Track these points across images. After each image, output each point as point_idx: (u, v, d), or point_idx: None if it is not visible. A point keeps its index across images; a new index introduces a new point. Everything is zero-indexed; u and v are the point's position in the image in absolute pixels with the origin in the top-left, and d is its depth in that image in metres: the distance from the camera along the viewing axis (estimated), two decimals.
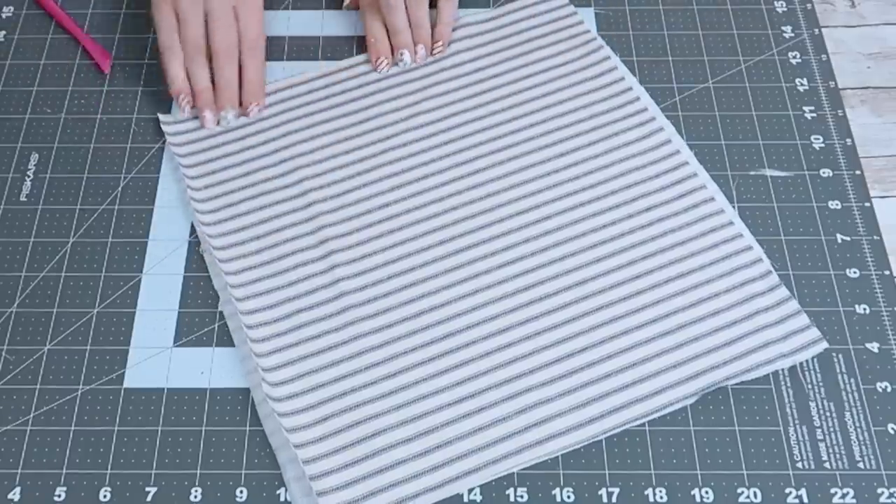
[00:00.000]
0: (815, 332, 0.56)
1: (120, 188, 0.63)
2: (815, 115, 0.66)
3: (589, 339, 0.56)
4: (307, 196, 0.62)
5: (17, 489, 0.53)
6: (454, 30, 0.70)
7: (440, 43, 0.68)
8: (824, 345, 0.56)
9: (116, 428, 0.54)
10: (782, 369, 0.56)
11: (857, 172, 0.63)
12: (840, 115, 0.66)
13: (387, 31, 0.69)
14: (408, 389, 0.54)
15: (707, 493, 0.52)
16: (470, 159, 0.64)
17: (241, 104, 0.66)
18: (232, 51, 0.65)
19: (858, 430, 0.54)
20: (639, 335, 0.56)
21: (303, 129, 0.65)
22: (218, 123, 0.65)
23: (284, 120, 0.66)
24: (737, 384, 0.55)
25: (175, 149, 0.64)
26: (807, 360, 0.56)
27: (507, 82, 0.67)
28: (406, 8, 0.68)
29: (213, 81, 0.65)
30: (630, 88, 0.66)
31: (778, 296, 0.58)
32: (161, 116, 0.66)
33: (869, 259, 0.60)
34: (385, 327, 0.57)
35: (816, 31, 0.70)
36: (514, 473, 0.53)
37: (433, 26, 0.69)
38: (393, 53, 0.68)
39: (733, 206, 0.62)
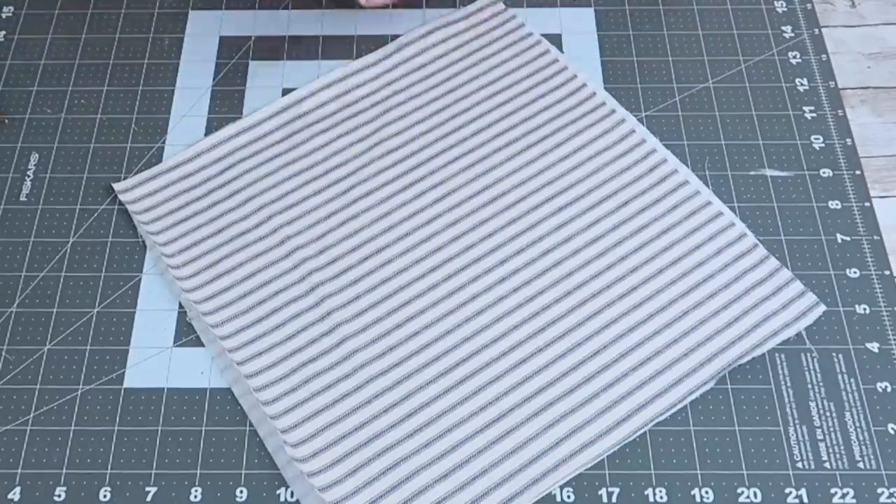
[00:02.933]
0: (811, 297, 0.57)
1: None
2: (815, 115, 0.66)
3: (599, 341, 0.56)
4: (287, 244, 0.60)
5: (17, 489, 0.53)
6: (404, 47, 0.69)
7: None
8: (822, 308, 0.57)
9: (116, 428, 0.54)
10: (782, 369, 0.56)
11: (857, 172, 0.63)
12: (840, 115, 0.66)
13: None
14: (431, 426, 0.54)
15: (707, 493, 0.52)
16: (445, 179, 0.63)
17: None
18: None
19: (858, 430, 0.54)
20: (645, 329, 0.56)
21: (267, 174, 0.63)
22: None
23: (245, 168, 0.64)
24: (736, 385, 0.55)
25: (137, 216, 0.61)
26: (807, 361, 0.56)
27: (470, 99, 0.67)
28: None
29: None
30: (585, 85, 0.67)
31: (769, 267, 0.58)
32: (115, 185, 0.63)
33: (869, 259, 0.60)
34: (394, 366, 0.55)
35: (816, 31, 0.70)
36: None
37: None
38: None
39: (733, 207, 0.62)
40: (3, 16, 0.72)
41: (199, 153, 0.64)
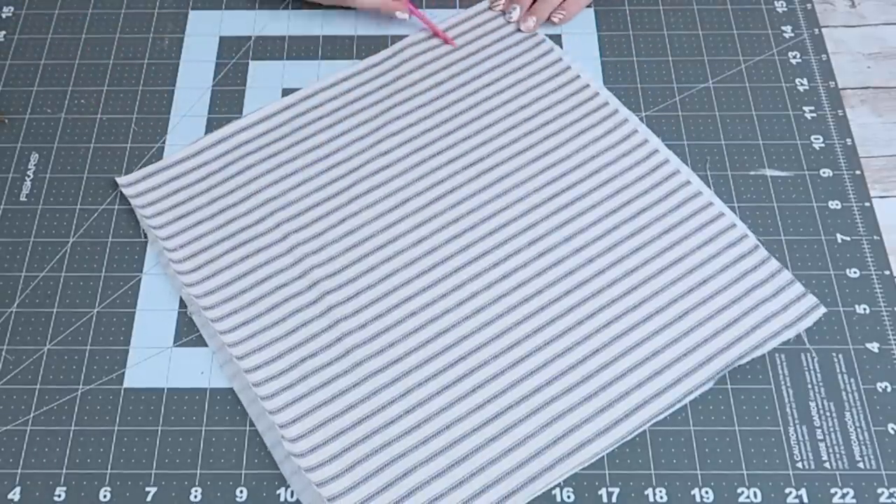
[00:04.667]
0: (811, 299, 0.57)
1: (120, 188, 0.63)
2: (815, 115, 0.66)
3: (599, 340, 0.56)
4: (288, 240, 0.60)
5: (17, 489, 0.53)
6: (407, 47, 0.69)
7: (564, 14, 0.70)
8: (822, 310, 0.57)
9: (116, 428, 0.54)
10: (782, 369, 0.56)
11: (857, 172, 0.63)
12: (840, 115, 0.66)
13: None
14: (429, 422, 0.54)
15: (707, 493, 0.52)
16: (445, 178, 0.63)
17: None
18: None
19: (858, 430, 0.54)
20: (645, 329, 0.57)
21: (269, 170, 0.63)
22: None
23: (248, 164, 0.64)
24: (736, 385, 0.55)
25: (140, 210, 0.62)
26: (807, 361, 0.56)
27: (472, 98, 0.67)
28: None
29: None
30: (588, 85, 0.67)
31: (769, 268, 0.59)
32: (118, 179, 0.63)
33: (869, 259, 0.60)
34: (393, 362, 0.56)
35: (816, 31, 0.70)
36: None
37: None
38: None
39: (734, 207, 0.62)
40: (3, 16, 0.72)
41: (202, 149, 0.64)
